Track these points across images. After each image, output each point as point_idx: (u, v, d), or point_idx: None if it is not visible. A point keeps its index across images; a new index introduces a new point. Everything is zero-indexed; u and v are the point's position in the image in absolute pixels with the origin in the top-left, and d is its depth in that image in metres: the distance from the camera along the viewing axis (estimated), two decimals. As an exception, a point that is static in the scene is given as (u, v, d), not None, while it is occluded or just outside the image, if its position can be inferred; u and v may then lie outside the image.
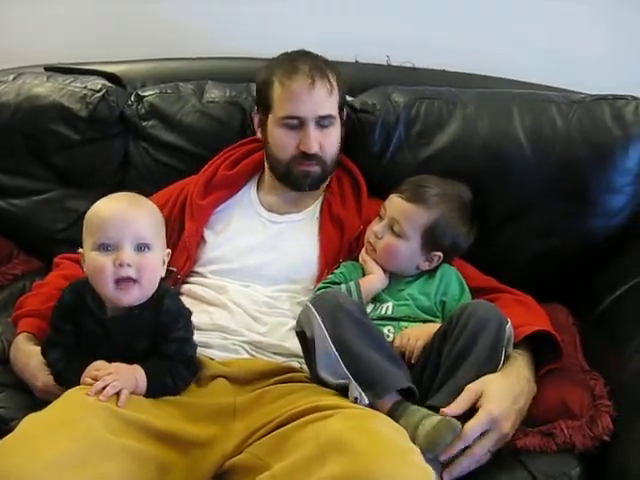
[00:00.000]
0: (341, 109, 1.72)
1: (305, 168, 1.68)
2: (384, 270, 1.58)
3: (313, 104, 1.64)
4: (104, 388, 1.27)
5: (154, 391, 1.35)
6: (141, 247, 1.37)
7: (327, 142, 1.67)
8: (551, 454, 1.37)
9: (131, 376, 1.33)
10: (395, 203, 1.58)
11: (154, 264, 1.40)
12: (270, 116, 1.69)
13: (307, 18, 2.22)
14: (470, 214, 1.61)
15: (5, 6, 2.37)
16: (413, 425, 1.26)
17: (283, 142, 1.68)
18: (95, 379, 1.29)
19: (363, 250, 1.62)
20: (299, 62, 1.66)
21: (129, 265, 1.34)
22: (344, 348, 1.35)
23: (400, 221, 1.56)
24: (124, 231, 1.36)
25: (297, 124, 1.65)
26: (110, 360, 1.35)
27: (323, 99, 1.65)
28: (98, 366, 1.33)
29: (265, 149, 1.75)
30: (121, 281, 1.35)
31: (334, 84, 1.66)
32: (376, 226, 1.59)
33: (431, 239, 1.56)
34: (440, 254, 1.58)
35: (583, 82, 1.98)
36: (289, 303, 1.61)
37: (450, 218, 1.56)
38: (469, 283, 1.62)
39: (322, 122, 1.66)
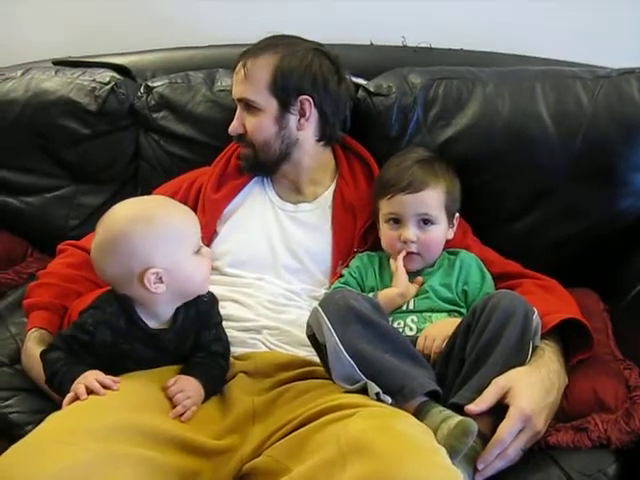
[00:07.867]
0: (283, 95, 1.63)
1: (239, 149, 1.72)
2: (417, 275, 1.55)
3: (234, 87, 1.68)
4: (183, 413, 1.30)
5: (209, 395, 1.37)
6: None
7: (250, 126, 1.65)
8: (585, 450, 1.31)
9: (199, 392, 1.34)
10: (407, 201, 1.52)
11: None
12: None
13: (321, 1, 2.17)
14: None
15: (11, 1, 2.37)
16: (433, 429, 1.20)
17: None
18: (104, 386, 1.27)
19: (394, 261, 1.55)
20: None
21: None
22: (358, 354, 1.28)
23: (427, 211, 1.52)
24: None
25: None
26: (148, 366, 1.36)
27: (238, 83, 1.66)
28: (179, 385, 1.32)
29: None
30: None
31: (251, 69, 1.62)
32: (405, 232, 1.52)
33: (450, 207, 1.57)
34: (457, 214, 1.60)
35: (603, 57, 1.92)
36: (305, 295, 1.58)
37: (451, 180, 1.58)
38: (491, 268, 1.57)
39: (246, 105, 1.65)
